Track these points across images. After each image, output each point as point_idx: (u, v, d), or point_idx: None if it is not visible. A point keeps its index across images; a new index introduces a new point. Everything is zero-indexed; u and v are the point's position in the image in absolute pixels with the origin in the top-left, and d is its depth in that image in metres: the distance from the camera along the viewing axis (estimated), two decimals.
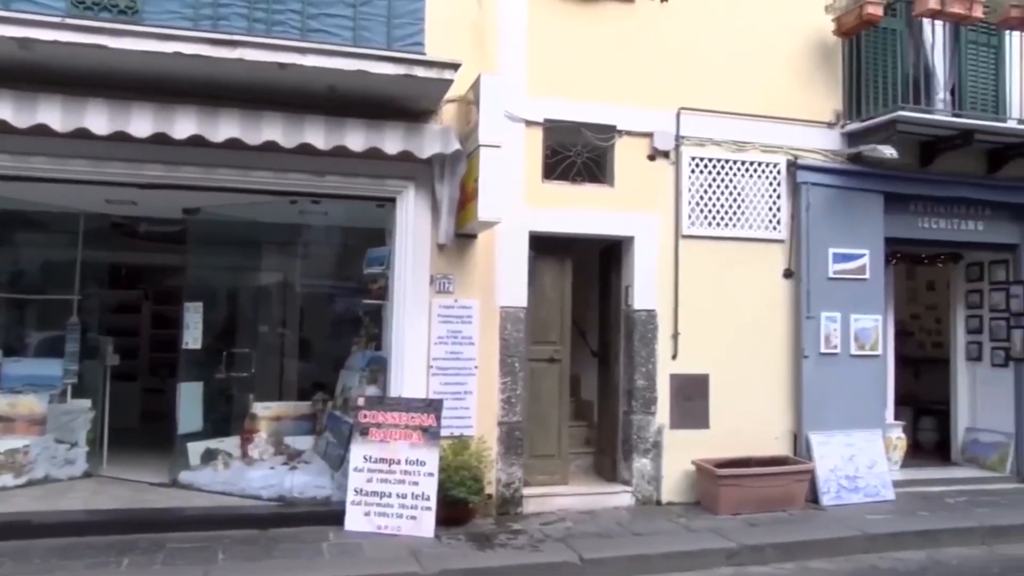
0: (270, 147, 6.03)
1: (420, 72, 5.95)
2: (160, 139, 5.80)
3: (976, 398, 9.50)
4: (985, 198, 8.68)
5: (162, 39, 5.46)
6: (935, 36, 8.13)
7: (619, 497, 7.45)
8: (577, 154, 7.46)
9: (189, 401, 7.60)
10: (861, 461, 7.83)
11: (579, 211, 7.38)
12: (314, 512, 6.55)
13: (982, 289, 9.49)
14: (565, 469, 7.66)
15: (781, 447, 7.86)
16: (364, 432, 6.45)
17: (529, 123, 7.26)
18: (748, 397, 7.75)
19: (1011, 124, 8.28)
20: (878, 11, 7.55)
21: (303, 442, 7.59)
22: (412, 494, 6.28)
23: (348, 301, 8.13)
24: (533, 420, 7.42)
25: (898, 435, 8.74)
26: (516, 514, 6.98)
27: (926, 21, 7.94)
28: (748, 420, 7.72)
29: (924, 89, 8.07)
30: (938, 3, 7.49)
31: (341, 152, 6.18)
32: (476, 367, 6.88)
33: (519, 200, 7.13)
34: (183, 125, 5.80)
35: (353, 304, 7.90)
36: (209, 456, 7.37)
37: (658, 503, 7.48)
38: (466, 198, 6.52)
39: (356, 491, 6.33)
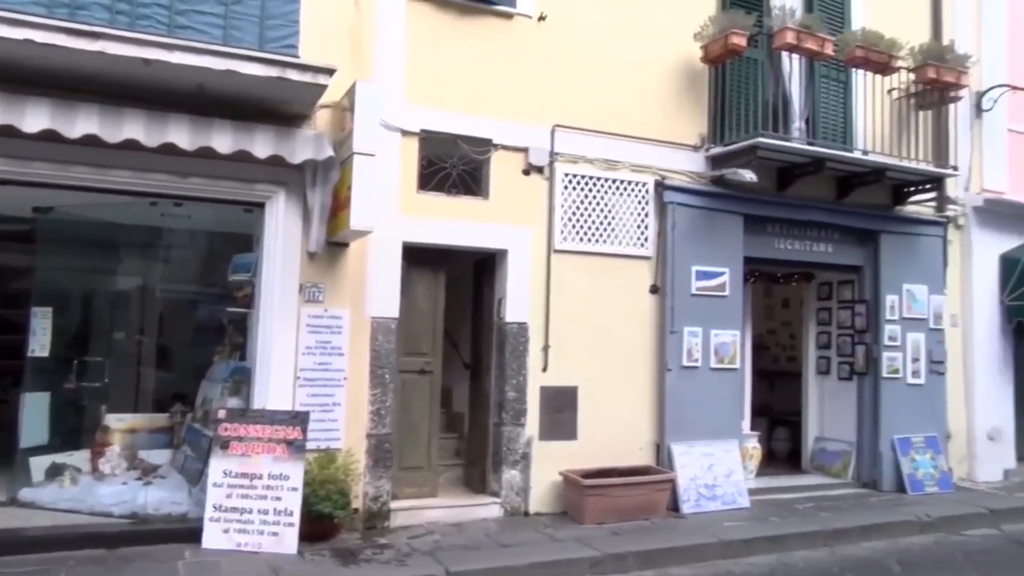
0: (131, 145, 5.73)
1: (293, 75, 5.81)
2: (8, 132, 5.41)
3: (824, 409, 10.13)
4: (835, 222, 9.28)
5: (10, 24, 5.10)
6: (792, 69, 8.63)
7: (488, 509, 7.47)
8: (453, 166, 7.47)
9: (34, 412, 7.08)
10: (719, 470, 8.17)
11: (454, 223, 7.39)
12: (169, 529, 6.24)
13: (831, 307, 10.13)
14: (435, 481, 7.63)
15: (645, 457, 8.10)
16: (224, 445, 6.21)
17: (405, 133, 7.22)
18: (615, 409, 7.95)
19: (857, 154, 8.89)
20: (742, 41, 7.96)
21: (159, 456, 7.23)
22: (274, 509, 6.08)
23: (212, 308, 7.82)
24: (403, 432, 7.35)
25: (754, 445, 9.16)
26: (384, 528, 6.88)
27: (784, 54, 8.40)
28: (614, 431, 7.92)
29: (782, 118, 8.56)
30: (795, 38, 7.98)
31: (207, 154, 5.95)
32: (345, 378, 6.75)
33: (393, 210, 7.08)
34: (35, 118, 5.43)
35: (217, 312, 7.61)
36: (55, 471, 6.89)
37: (526, 514, 7.55)
38: (338, 206, 6.41)
39: (215, 507, 6.08)
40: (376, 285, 7.04)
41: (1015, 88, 10.55)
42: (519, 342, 7.61)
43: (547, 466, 7.63)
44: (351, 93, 6.31)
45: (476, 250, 7.72)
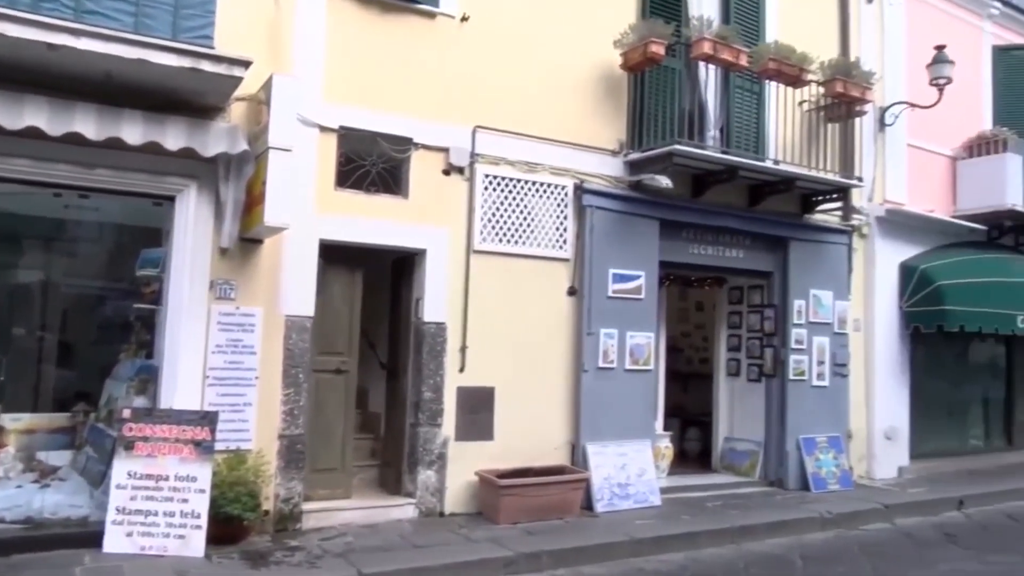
0: (33, 133, 5.50)
1: (207, 66, 5.68)
2: None
3: (734, 410, 10.42)
4: (746, 229, 9.57)
5: None
6: (708, 78, 8.87)
7: (403, 510, 7.43)
8: (372, 164, 7.40)
9: None
10: (632, 469, 8.31)
11: (372, 221, 7.32)
12: (68, 534, 6.00)
13: (742, 311, 10.44)
14: (348, 483, 7.54)
15: (560, 457, 8.19)
16: (129, 446, 6.01)
17: (323, 129, 7.12)
18: (531, 409, 8.01)
19: (768, 163, 9.18)
20: (660, 50, 8.13)
21: (59, 457, 6.93)
22: (181, 512, 5.92)
23: (118, 305, 7.56)
24: (317, 433, 7.25)
25: (666, 445, 9.37)
26: (295, 530, 6.77)
27: (701, 64, 8.62)
28: (531, 431, 7.98)
29: (698, 126, 8.78)
30: (711, 49, 8.19)
31: (116, 144, 5.76)
32: (257, 378, 6.63)
33: (309, 207, 6.97)
34: None
35: (123, 308, 7.36)
36: None
37: (441, 515, 7.53)
38: (252, 201, 6.29)
39: (118, 510, 5.87)
40: (291, 283, 6.91)
41: (914, 105, 11.08)
42: (437, 342, 7.59)
43: (463, 467, 7.63)
44: (267, 86, 6.20)
45: (395, 249, 7.66)
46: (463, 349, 7.68)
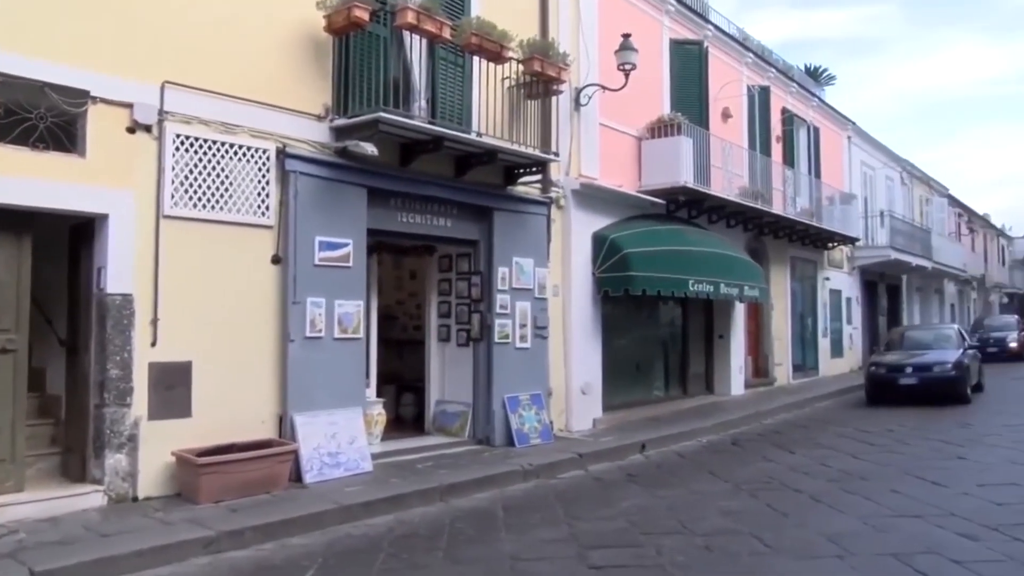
0: None
1: None
2: None
3: (445, 374, 10.78)
4: (453, 198, 9.87)
5: None
6: (414, 48, 8.96)
7: (89, 498, 6.79)
8: (40, 117, 6.59)
9: None
10: (343, 438, 8.29)
11: (40, 182, 6.51)
12: None
13: (451, 278, 10.78)
14: (21, 474, 6.73)
15: (268, 430, 7.95)
16: None
17: None
18: (235, 382, 7.68)
19: (473, 136, 9.51)
20: (364, 15, 8.04)
21: None
22: None
23: None
24: None
25: (379, 411, 9.46)
26: None
27: (406, 33, 8.67)
28: (235, 406, 7.66)
29: (405, 95, 8.84)
30: (415, 18, 8.27)
31: None
32: None
33: None
34: None
35: None
36: None
37: (135, 500, 7.01)
38: None
39: None
40: None
41: (605, 88, 12.08)
42: (123, 315, 6.98)
43: (159, 447, 7.14)
44: None
45: (71, 213, 6.89)
46: (154, 322, 7.15)
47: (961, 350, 16.36)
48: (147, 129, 7.16)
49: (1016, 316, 33.00)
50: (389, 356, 11.38)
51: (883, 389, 15.81)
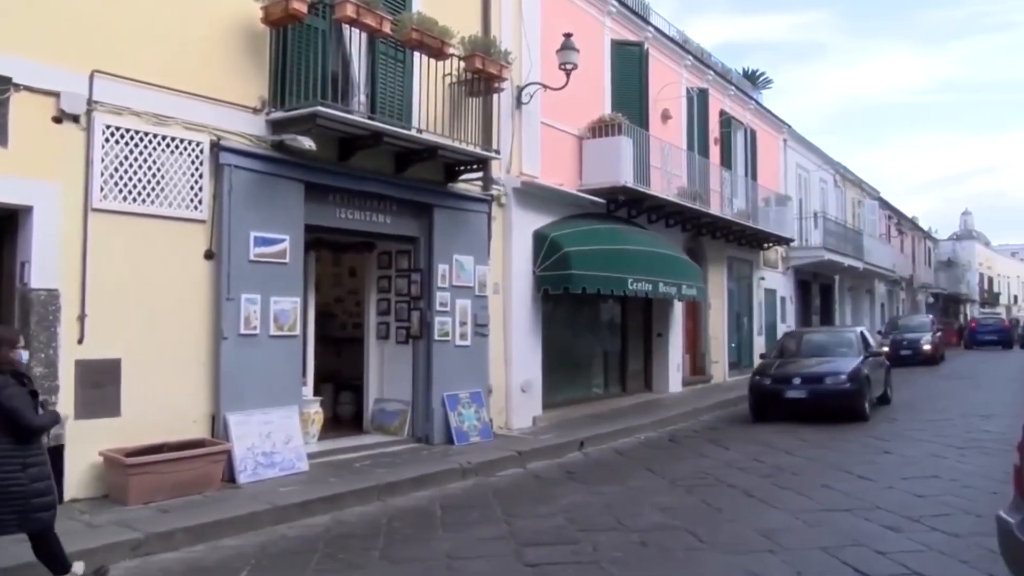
0: None
1: None
2: None
3: (384, 372, 10.69)
4: (393, 195, 9.79)
5: None
6: (354, 42, 8.85)
7: None
8: None
9: None
10: (278, 437, 8.15)
11: None
12: None
13: (390, 275, 10.70)
14: None
15: (201, 430, 7.78)
16: None
17: None
18: (166, 381, 7.49)
19: (413, 132, 9.43)
20: (302, 7, 7.92)
21: None
22: None
23: None
24: None
25: (316, 410, 9.33)
26: None
27: (346, 26, 8.56)
28: (166, 404, 7.47)
29: (345, 89, 8.73)
30: (355, 12, 8.17)
31: None
32: None
33: None
34: None
35: None
36: None
37: (60, 502, 6.76)
38: None
39: None
40: None
41: (546, 87, 12.12)
42: (48, 311, 6.74)
43: (86, 447, 6.91)
44: None
45: None
46: (82, 318, 6.92)
47: (861, 358, 13.87)
48: (75, 119, 6.92)
49: (931, 316, 31.95)
50: (327, 354, 11.23)
51: (767, 402, 13.38)
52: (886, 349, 18.66)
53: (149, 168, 7.41)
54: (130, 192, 7.28)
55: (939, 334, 28.17)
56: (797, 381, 13.21)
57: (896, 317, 33.91)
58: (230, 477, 7.67)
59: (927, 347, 26.23)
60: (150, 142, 7.43)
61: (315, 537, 6.51)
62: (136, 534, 6.03)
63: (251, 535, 6.51)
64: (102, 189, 7.07)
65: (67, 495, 6.81)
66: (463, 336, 10.60)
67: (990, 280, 59.32)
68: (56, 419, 5.27)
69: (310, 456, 8.52)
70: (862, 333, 15.65)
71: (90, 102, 6.99)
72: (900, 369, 20.12)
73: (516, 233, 11.71)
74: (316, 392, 9.85)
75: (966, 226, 61.95)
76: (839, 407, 12.87)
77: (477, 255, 10.87)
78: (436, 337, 10.24)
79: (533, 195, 12.00)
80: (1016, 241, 76.33)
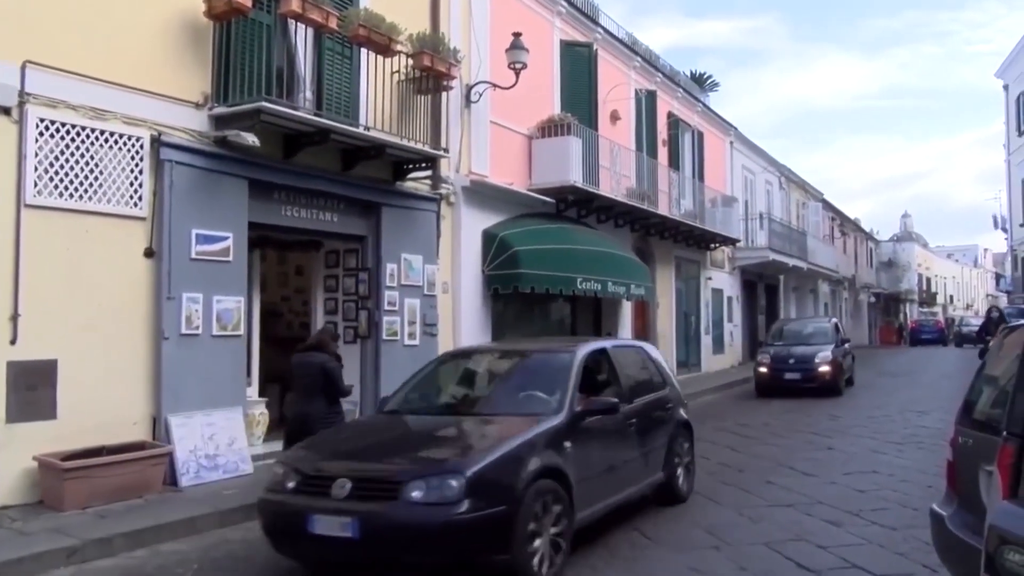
0: None
1: None
2: None
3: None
4: (340, 193, 9.67)
5: None
6: (299, 38, 8.72)
7: None
8: None
9: None
10: (221, 439, 7.99)
11: None
12: None
13: (338, 275, 10.57)
14: None
15: (141, 432, 7.58)
16: None
17: None
18: (105, 382, 7.29)
19: (360, 130, 9.33)
20: (247, 1, 7.77)
21: None
22: None
23: None
24: None
25: (261, 411, 9.17)
26: None
27: (292, 21, 8.42)
28: (105, 407, 7.27)
29: (290, 85, 8.60)
30: (300, 7, 8.05)
31: None
32: None
33: None
34: None
35: None
36: None
37: None
38: None
39: None
40: None
41: (496, 86, 12.12)
42: None
43: (18, 452, 6.69)
44: None
45: None
46: (14, 318, 6.69)
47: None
48: (6, 111, 6.69)
49: (834, 320, 21.62)
50: (273, 354, 11.03)
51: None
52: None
53: (87, 163, 7.19)
54: (66, 188, 7.06)
55: (846, 346, 18.92)
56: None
57: (785, 321, 23.75)
58: (172, 480, 7.50)
59: (824, 368, 16.71)
60: (87, 136, 7.22)
61: (259, 540, 6.34)
62: (71, 540, 5.86)
63: (193, 539, 6.39)
64: (36, 184, 6.85)
65: None
66: (412, 336, 10.53)
67: (928, 280, 61.05)
68: None
69: (255, 458, 8.36)
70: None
71: (22, 94, 6.77)
72: (778, 402, 15.47)
73: (465, 232, 11.68)
74: (262, 393, 9.68)
75: (906, 228, 63.62)
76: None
77: (426, 254, 10.81)
78: (384, 337, 10.15)
79: (482, 194, 11.98)
80: (952, 243, 78.79)
